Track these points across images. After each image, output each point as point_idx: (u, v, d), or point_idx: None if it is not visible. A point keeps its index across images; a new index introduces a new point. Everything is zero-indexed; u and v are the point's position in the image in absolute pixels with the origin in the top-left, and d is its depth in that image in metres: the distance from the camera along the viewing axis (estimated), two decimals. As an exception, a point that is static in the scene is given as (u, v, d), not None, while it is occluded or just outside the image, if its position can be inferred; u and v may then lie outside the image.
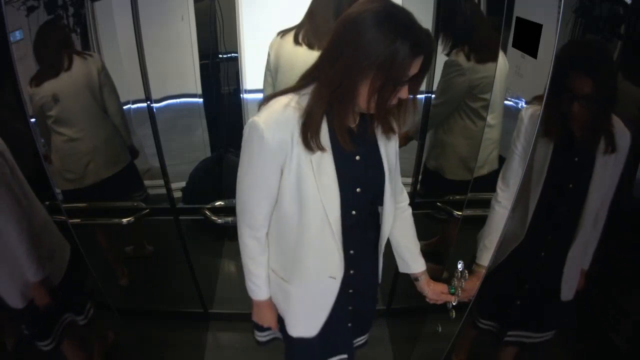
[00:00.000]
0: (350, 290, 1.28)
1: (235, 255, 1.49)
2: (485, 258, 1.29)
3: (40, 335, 1.64)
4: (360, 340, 1.52)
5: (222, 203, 1.98)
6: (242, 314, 2.15)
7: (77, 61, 1.63)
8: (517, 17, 1.06)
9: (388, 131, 1.13)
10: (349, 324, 1.38)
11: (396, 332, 2.22)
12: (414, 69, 0.95)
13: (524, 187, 1.25)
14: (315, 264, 1.19)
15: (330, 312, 1.27)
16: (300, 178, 1.08)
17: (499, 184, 1.32)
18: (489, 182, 1.36)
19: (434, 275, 1.35)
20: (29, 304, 1.53)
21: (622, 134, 1.22)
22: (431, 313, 1.65)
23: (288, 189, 1.10)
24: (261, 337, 1.47)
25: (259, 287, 1.26)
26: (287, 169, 1.07)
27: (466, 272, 1.28)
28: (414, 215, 1.36)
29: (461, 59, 1.57)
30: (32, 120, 1.50)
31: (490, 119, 1.41)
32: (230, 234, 2.49)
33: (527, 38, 1.01)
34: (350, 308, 1.33)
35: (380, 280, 1.40)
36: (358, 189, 1.15)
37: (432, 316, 1.65)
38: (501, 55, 1.15)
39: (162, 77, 1.79)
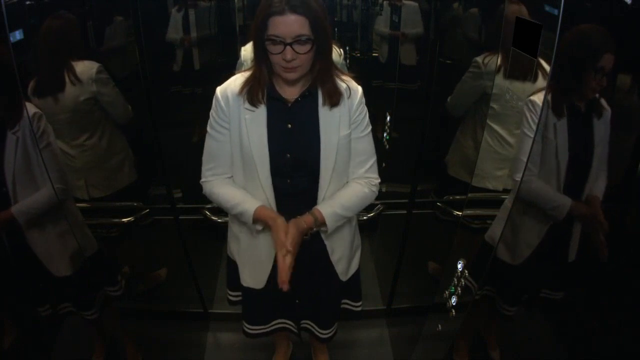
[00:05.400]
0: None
1: (235, 255, 1.49)
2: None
3: (84, 305, 1.69)
4: (325, 333, 1.58)
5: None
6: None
7: (66, 72, 1.54)
8: (517, 17, 1.06)
9: (332, 104, 1.25)
10: (296, 300, 1.49)
11: (396, 332, 2.22)
12: (273, 28, 1.11)
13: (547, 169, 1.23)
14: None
15: (273, 268, 1.37)
16: (241, 133, 1.25)
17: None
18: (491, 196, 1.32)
19: (434, 275, 1.35)
20: (75, 272, 1.57)
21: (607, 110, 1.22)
22: (431, 313, 1.65)
23: (233, 144, 1.28)
24: (232, 297, 1.64)
25: (248, 209, 1.28)
26: (232, 124, 1.26)
27: (466, 271, 1.28)
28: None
29: (487, 62, 1.51)
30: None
31: (512, 136, 1.34)
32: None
33: (527, 38, 1.01)
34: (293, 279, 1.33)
35: (336, 270, 1.43)
36: (288, 155, 1.25)
37: (432, 316, 1.65)
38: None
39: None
